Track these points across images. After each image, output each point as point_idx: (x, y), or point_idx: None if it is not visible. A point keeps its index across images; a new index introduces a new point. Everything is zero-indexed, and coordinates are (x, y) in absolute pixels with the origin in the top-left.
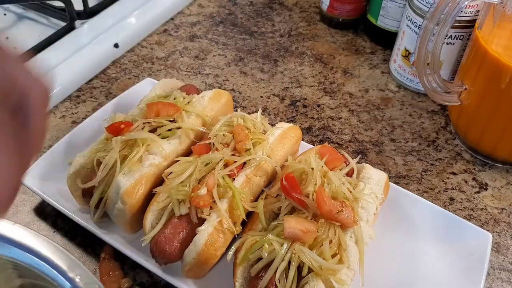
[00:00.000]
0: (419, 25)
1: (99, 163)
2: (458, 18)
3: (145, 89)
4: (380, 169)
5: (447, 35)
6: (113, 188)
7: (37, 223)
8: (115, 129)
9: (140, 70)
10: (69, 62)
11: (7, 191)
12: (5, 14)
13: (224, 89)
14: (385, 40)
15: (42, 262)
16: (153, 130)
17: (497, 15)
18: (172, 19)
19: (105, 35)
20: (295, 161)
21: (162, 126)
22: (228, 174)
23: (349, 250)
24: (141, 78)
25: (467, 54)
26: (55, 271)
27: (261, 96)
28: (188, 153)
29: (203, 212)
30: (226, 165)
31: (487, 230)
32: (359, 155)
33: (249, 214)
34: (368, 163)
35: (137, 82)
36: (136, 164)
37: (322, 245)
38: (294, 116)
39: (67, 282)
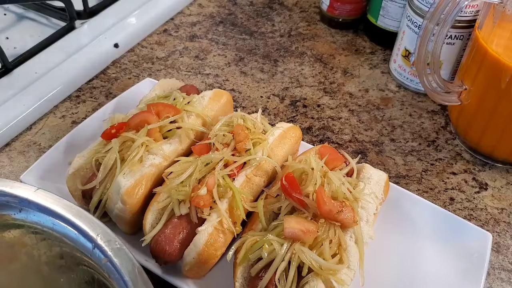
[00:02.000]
0: (419, 25)
1: (97, 163)
2: (458, 18)
3: (145, 89)
4: (380, 169)
5: (447, 35)
6: (114, 188)
7: None
8: (108, 135)
9: (140, 70)
10: (69, 62)
11: None
12: (5, 14)
13: (224, 89)
14: (385, 40)
15: (63, 224)
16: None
17: (497, 15)
18: (172, 19)
19: (105, 35)
20: (295, 161)
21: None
22: (228, 174)
23: (349, 250)
24: (141, 78)
25: (467, 54)
26: (76, 232)
27: (261, 96)
28: (188, 153)
29: (203, 212)
30: (226, 165)
31: (487, 230)
32: (359, 155)
33: (249, 214)
34: (368, 163)
35: (137, 82)
36: (136, 164)
37: (322, 245)
38: (294, 116)
39: (89, 242)
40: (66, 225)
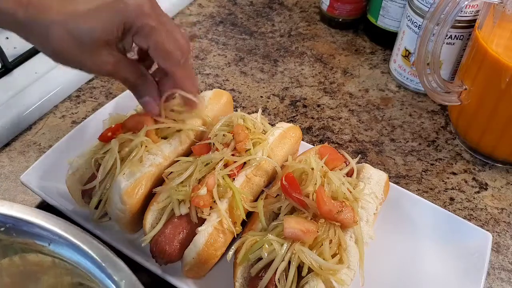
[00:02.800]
0: (419, 25)
1: (97, 164)
2: (458, 18)
3: None
4: (380, 169)
5: (447, 35)
6: (113, 188)
7: None
8: (105, 137)
9: None
10: None
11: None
12: None
13: (224, 89)
14: (385, 40)
15: (91, 264)
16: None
17: (497, 15)
18: (172, 19)
19: None
20: (295, 161)
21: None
22: (228, 174)
23: (349, 250)
24: None
25: (467, 54)
26: (103, 274)
27: (261, 96)
28: (188, 153)
29: (203, 212)
30: (226, 165)
31: (487, 230)
32: (359, 155)
33: (249, 214)
34: (368, 163)
35: None
36: (136, 164)
37: (322, 245)
38: (294, 116)
39: (113, 285)
40: (92, 265)
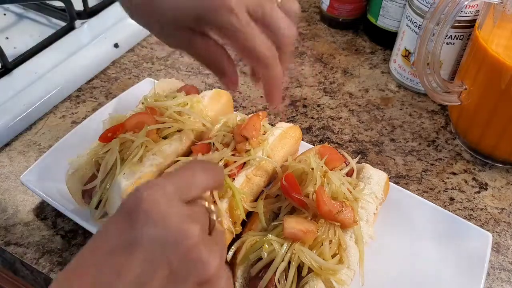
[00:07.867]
0: (419, 25)
1: (97, 164)
2: (458, 18)
3: (145, 89)
4: (380, 169)
5: (447, 35)
6: (114, 188)
7: (37, 223)
8: (105, 138)
9: (140, 70)
10: (69, 62)
11: None
12: (5, 14)
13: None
14: (385, 40)
15: None
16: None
17: (497, 15)
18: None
19: (105, 35)
20: (295, 161)
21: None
22: (228, 174)
23: (349, 250)
24: (141, 78)
25: (467, 54)
26: None
27: (261, 96)
28: (188, 153)
29: None
30: (226, 165)
31: (487, 230)
32: (359, 155)
33: (249, 214)
34: (368, 163)
35: (137, 82)
36: (136, 164)
37: (322, 245)
38: (294, 116)
39: None
40: None
